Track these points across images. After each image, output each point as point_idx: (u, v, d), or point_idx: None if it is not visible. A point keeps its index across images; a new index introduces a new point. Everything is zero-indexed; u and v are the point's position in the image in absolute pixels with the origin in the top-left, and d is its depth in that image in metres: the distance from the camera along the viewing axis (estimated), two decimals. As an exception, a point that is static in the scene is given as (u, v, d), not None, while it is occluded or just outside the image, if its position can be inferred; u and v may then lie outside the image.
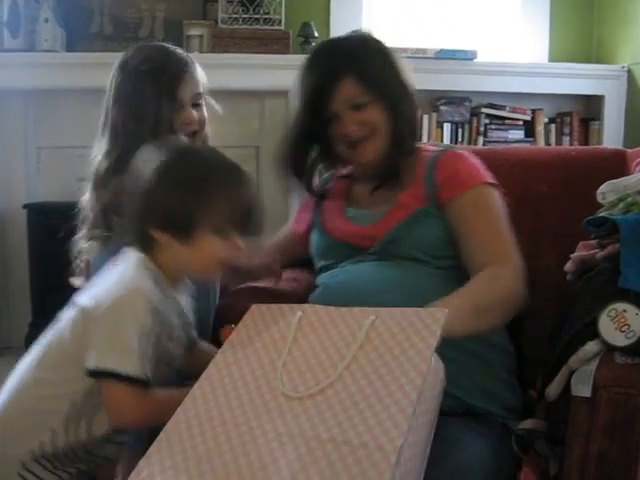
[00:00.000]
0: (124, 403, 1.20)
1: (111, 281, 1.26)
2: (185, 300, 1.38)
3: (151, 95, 1.63)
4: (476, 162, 1.55)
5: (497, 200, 1.49)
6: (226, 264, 1.32)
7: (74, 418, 1.24)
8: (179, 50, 1.72)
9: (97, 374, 1.19)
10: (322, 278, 1.59)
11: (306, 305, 1.28)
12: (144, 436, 1.71)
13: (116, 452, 1.34)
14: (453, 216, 1.47)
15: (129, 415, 1.21)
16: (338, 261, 1.57)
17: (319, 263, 1.63)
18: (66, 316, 1.27)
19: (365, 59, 1.52)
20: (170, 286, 1.31)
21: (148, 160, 1.30)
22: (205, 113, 1.75)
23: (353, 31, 1.60)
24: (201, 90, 1.72)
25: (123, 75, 1.67)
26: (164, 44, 1.75)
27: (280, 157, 1.65)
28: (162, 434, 1.09)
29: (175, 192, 1.25)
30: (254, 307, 1.27)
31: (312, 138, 1.58)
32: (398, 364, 1.05)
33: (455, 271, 1.45)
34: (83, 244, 1.69)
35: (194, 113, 1.70)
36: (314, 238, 1.66)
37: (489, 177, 1.52)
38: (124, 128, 1.66)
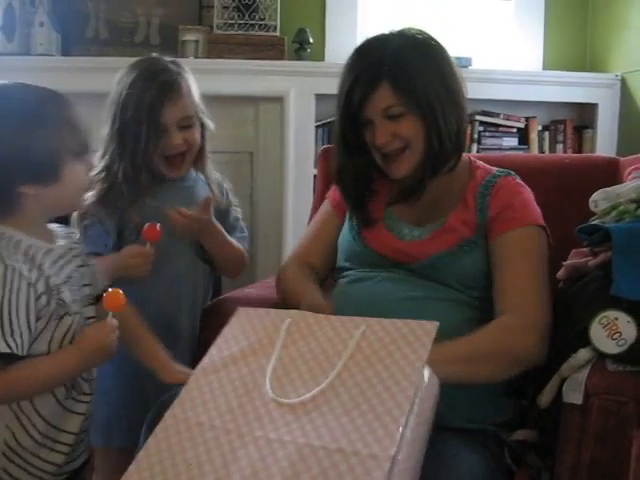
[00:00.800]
0: None
1: None
2: (65, 241, 1.37)
3: (132, 120, 1.65)
4: (531, 197, 1.51)
5: (542, 245, 1.45)
6: (89, 185, 1.36)
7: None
8: (169, 71, 1.71)
9: None
10: (345, 282, 1.54)
11: (294, 311, 1.26)
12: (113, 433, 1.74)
13: (77, 423, 1.34)
14: (496, 250, 1.43)
15: None
16: (366, 268, 1.52)
17: (343, 263, 1.59)
18: None
19: (409, 64, 1.40)
20: (37, 236, 1.29)
21: None
22: (196, 134, 1.75)
23: (408, 28, 1.49)
24: (189, 113, 1.72)
25: (114, 94, 1.71)
26: (158, 62, 1.74)
27: (334, 168, 1.58)
28: (151, 439, 1.10)
29: (31, 141, 1.22)
30: (240, 310, 1.26)
31: (356, 144, 1.49)
32: (390, 374, 1.06)
33: (484, 302, 1.43)
34: None
35: (179, 137, 1.69)
36: (345, 237, 1.60)
37: (540, 217, 1.48)
38: (109, 145, 1.71)
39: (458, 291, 1.43)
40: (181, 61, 1.80)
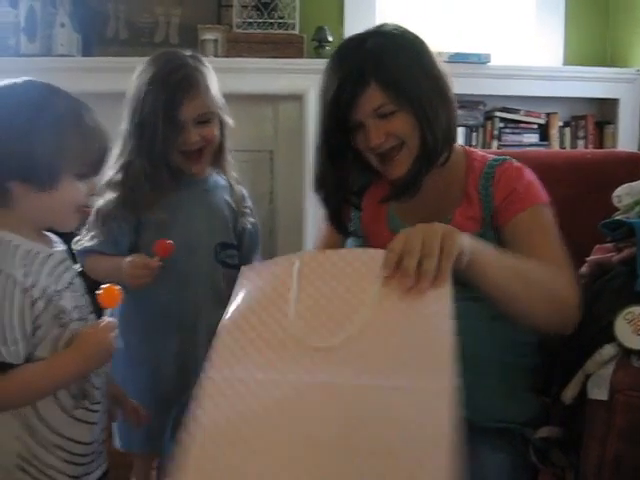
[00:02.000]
0: None
1: None
2: (62, 247, 1.35)
3: (149, 117, 1.65)
4: (533, 178, 1.46)
5: (551, 219, 1.41)
6: (82, 207, 1.31)
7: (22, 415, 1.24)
8: (188, 67, 1.70)
9: None
10: None
11: (302, 253, 1.18)
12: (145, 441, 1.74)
13: (89, 433, 1.32)
14: (510, 235, 1.39)
15: None
16: None
17: None
18: None
19: (394, 59, 1.37)
20: (37, 240, 1.27)
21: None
22: (215, 130, 1.73)
23: (383, 24, 1.45)
24: (207, 109, 1.70)
25: (133, 89, 1.70)
26: (176, 56, 1.73)
27: (314, 175, 1.52)
28: (198, 409, 0.99)
29: (35, 140, 1.20)
30: (244, 269, 1.17)
31: (340, 149, 1.45)
32: (424, 304, 1.01)
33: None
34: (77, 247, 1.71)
35: (196, 133, 1.68)
36: (351, 245, 1.55)
37: (544, 195, 1.44)
38: (128, 141, 1.71)
39: (473, 290, 1.40)
40: (200, 56, 1.78)
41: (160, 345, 1.75)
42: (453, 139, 1.47)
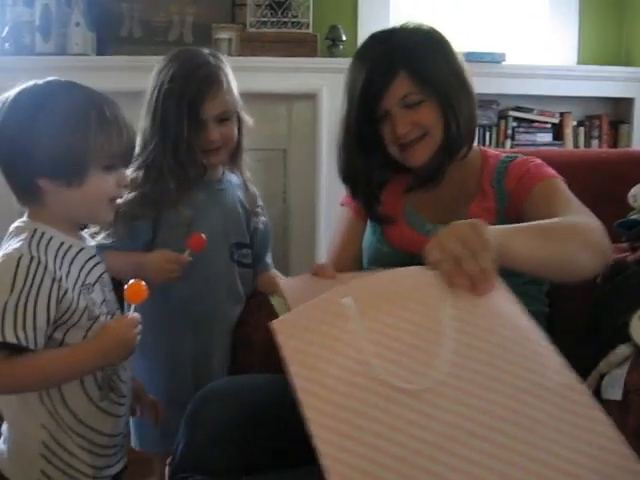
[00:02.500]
0: None
1: None
2: (92, 243, 1.38)
3: (173, 115, 1.65)
4: (543, 162, 1.50)
5: (568, 190, 1.41)
6: (115, 200, 1.31)
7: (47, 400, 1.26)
8: (211, 64, 1.70)
9: None
10: None
11: (340, 288, 0.99)
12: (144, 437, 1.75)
13: (113, 425, 1.34)
14: (531, 210, 1.38)
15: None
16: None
17: (367, 266, 1.56)
18: None
19: (421, 52, 1.42)
20: (70, 234, 1.29)
21: (15, 104, 1.24)
22: (234, 129, 1.74)
23: (407, 22, 1.49)
24: (228, 107, 1.71)
25: (154, 86, 1.70)
26: (198, 54, 1.73)
27: (341, 167, 1.56)
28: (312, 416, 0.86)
29: (59, 137, 1.21)
30: (275, 325, 0.97)
31: (369, 140, 1.49)
32: (497, 310, 0.97)
33: (529, 286, 1.38)
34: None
35: (216, 132, 1.69)
36: (369, 238, 1.58)
37: (553, 171, 1.46)
38: (150, 138, 1.70)
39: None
40: (219, 54, 1.78)
41: (176, 344, 1.75)
42: (474, 133, 1.52)
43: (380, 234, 1.55)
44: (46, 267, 1.21)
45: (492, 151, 1.59)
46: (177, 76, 1.66)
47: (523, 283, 1.35)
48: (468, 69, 1.48)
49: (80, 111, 1.24)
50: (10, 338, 1.15)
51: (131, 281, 1.30)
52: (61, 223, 1.28)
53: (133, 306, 1.31)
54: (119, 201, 1.65)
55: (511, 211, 1.43)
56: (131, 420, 1.70)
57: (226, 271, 1.79)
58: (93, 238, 1.69)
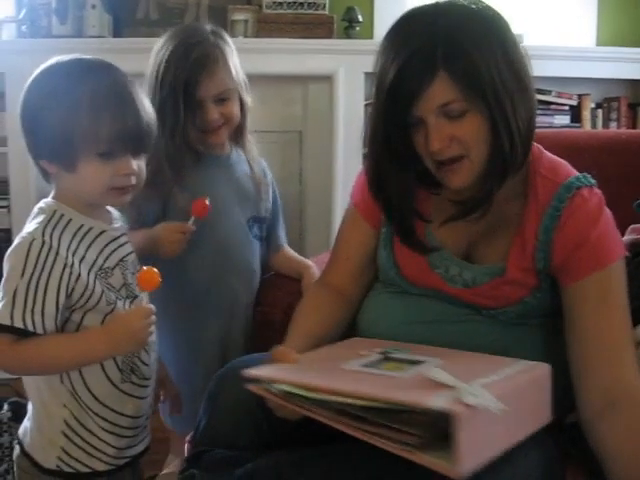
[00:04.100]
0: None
1: None
2: (120, 223, 1.36)
3: (170, 97, 1.62)
4: (609, 224, 1.23)
5: (622, 282, 1.20)
6: (116, 188, 1.26)
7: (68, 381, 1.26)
8: (207, 43, 1.66)
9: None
10: (388, 293, 1.38)
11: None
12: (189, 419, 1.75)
13: (135, 407, 1.34)
14: (570, 302, 1.20)
15: (6, 361, 1.20)
16: (410, 293, 1.35)
17: (385, 286, 1.41)
18: None
19: (465, 47, 1.11)
20: (93, 216, 1.28)
21: (29, 84, 1.24)
22: (235, 107, 1.71)
23: None
24: (226, 87, 1.68)
25: (152, 67, 1.68)
26: (196, 32, 1.70)
27: (367, 173, 1.31)
28: None
29: (51, 120, 1.19)
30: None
31: (401, 148, 1.21)
32: None
33: (544, 328, 1.28)
34: None
35: (215, 111, 1.66)
36: (381, 253, 1.39)
37: (619, 247, 1.23)
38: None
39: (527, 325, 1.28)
40: (222, 31, 1.75)
41: (200, 326, 1.75)
42: (531, 143, 1.22)
43: (389, 255, 1.36)
44: (57, 252, 1.20)
45: (545, 159, 1.27)
46: (172, 57, 1.63)
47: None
48: (528, 58, 1.20)
49: (72, 95, 1.20)
50: (18, 323, 1.16)
51: (143, 268, 1.27)
52: (80, 204, 1.27)
53: (146, 295, 1.30)
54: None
55: (551, 276, 1.23)
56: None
57: (244, 249, 1.79)
58: None
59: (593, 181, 1.25)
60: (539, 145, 1.29)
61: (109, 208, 1.36)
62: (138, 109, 1.23)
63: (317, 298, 1.42)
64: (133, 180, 1.27)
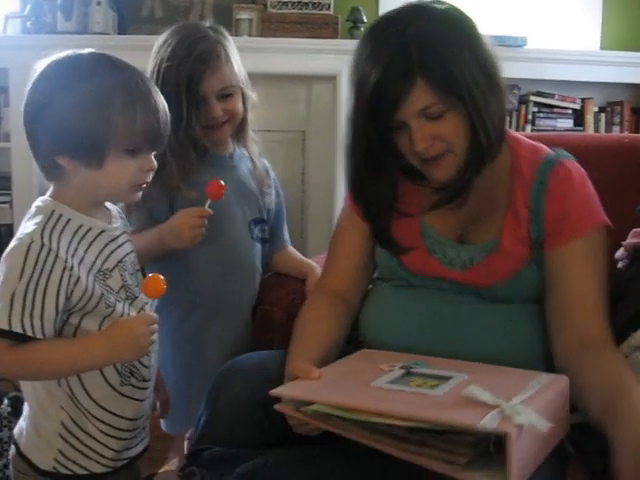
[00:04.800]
0: None
1: None
2: (119, 222, 1.33)
3: (173, 92, 1.59)
4: (588, 191, 1.31)
5: (603, 248, 1.29)
6: (138, 185, 1.25)
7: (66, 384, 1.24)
8: (208, 39, 1.66)
9: None
10: (390, 287, 1.40)
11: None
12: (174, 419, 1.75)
13: (135, 409, 1.32)
14: (554, 265, 1.27)
15: (5, 366, 1.18)
16: (411, 285, 1.38)
17: (384, 282, 1.44)
18: None
19: (441, 52, 1.17)
20: (93, 215, 1.26)
21: (42, 77, 1.20)
22: (238, 103, 1.71)
23: (426, 2, 1.24)
24: (229, 83, 1.67)
25: (154, 64, 1.66)
26: (196, 29, 1.69)
27: (350, 180, 1.37)
28: None
29: (81, 115, 1.15)
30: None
31: (381, 152, 1.28)
32: None
33: (534, 307, 1.33)
34: None
35: (218, 107, 1.66)
36: (382, 262, 1.42)
37: (599, 213, 1.30)
38: None
39: (522, 304, 1.33)
40: (221, 28, 1.74)
41: (201, 328, 1.75)
42: (504, 134, 1.30)
43: (397, 259, 1.39)
44: (57, 255, 1.16)
45: (524, 143, 1.37)
46: (175, 53, 1.62)
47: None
48: (497, 56, 1.25)
49: (104, 91, 1.17)
50: (16, 327, 1.13)
51: (149, 275, 1.24)
52: (82, 203, 1.24)
53: (151, 302, 1.28)
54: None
55: (543, 246, 1.29)
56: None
57: (247, 250, 1.78)
58: None
59: (571, 156, 1.33)
60: (516, 133, 1.39)
61: (109, 206, 1.34)
62: (161, 106, 1.24)
63: (321, 305, 1.42)
64: (151, 177, 1.27)
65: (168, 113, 1.26)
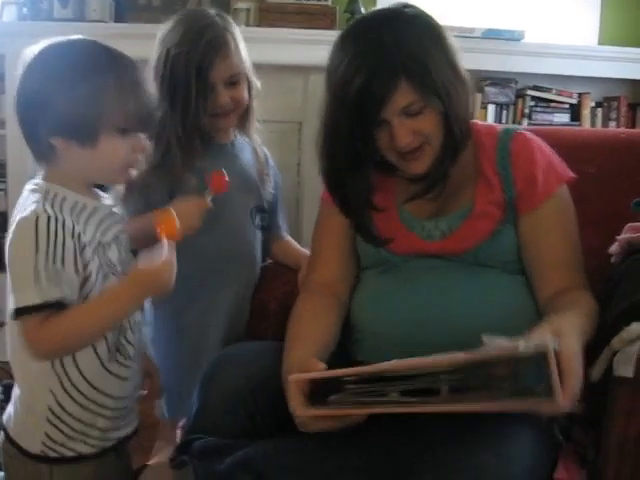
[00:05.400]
0: (33, 333, 1.19)
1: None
2: (110, 202, 1.36)
3: (181, 79, 1.61)
4: (545, 154, 1.42)
5: (570, 204, 1.42)
6: (130, 165, 1.29)
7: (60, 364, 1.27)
8: (217, 26, 1.66)
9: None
10: (377, 273, 1.45)
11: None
12: (175, 405, 1.75)
13: (120, 387, 1.34)
14: (527, 228, 1.38)
15: (42, 344, 1.21)
16: (396, 266, 1.44)
17: (369, 269, 1.49)
18: None
19: (419, 52, 1.26)
20: (85, 194, 1.29)
21: (36, 61, 1.24)
22: (244, 91, 1.71)
23: (393, 4, 1.34)
24: (237, 70, 1.68)
25: (160, 51, 1.66)
26: (204, 16, 1.70)
27: (328, 178, 1.44)
28: None
29: (73, 96, 1.20)
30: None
31: (362, 150, 1.34)
32: None
33: (519, 272, 1.41)
34: None
35: (226, 94, 1.66)
36: (363, 248, 1.48)
37: (560, 169, 1.42)
38: (158, 106, 1.66)
39: (497, 269, 1.40)
40: (226, 15, 1.75)
41: (202, 317, 1.74)
42: (470, 123, 1.42)
43: (377, 241, 1.45)
44: (64, 224, 1.20)
45: (479, 124, 1.50)
46: (184, 40, 1.62)
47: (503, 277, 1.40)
48: (457, 45, 1.35)
49: (98, 72, 1.22)
50: (47, 298, 1.16)
51: (159, 211, 1.29)
52: (74, 183, 1.27)
53: (166, 242, 1.27)
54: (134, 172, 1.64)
55: (515, 209, 1.39)
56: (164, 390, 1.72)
57: (248, 238, 1.78)
58: None
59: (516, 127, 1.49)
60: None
61: (95, 190, 1.36)
62: (150, 91, 1.30)
63: (313, 302, 1.45)
64: (143, 157, 1.32)
65: (156, 99, 1.33)
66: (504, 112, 3.23)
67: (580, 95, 3.26)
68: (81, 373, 1.28)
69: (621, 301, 1.29)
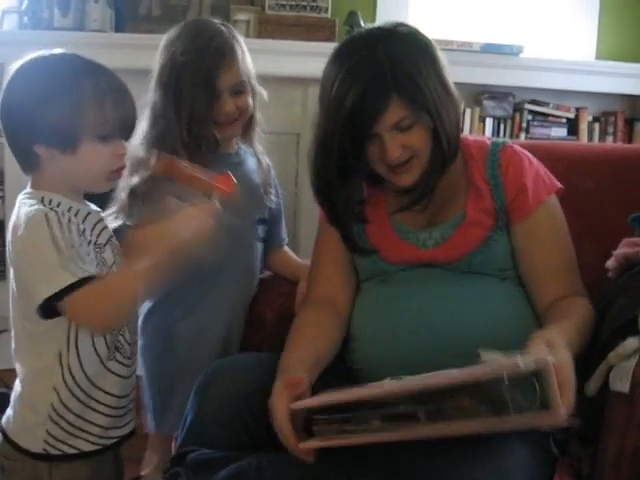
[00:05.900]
0: (84, 307, 1.20)
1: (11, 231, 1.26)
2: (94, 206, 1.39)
3: (188, 86, 1.61)
4: (533, 166, 1.46)
5: (561, 213, 1.46)
6: (113, 172, 1.32)
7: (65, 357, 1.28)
8: (224, 35, 1.67)
9: (47, 307, 1.20)
10: (375, 283, 1.48)
11: None
12: (167, 419, 1.74)
13: (120, 386, 1.36)
14: (521, 237, 1.42)
15: (97, 313, 1.23)
16: (392, 276, 1.46)
17: (367, 281, 1.51)
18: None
19: (411, 69, 1.30)
20: (75, 200, 1.31)
21: (19, 73, 1.28)
22: (249, 100, 1.71)
23: (386, 23, 1.39)
24: (243, 79, 1.68)
25: (166, 58, 1.66)
26: (210, 25, 1.70)
27: (314, 184, 1.47)
28: None
29: (53, 105, 1.23)
30: None
31: (352, 164, 1.39)
32: None
33: (515, 281, 1.43)
34: (110, 223, 1.69)
35: (231, 103, 1.66)
36: (359, 262, 1.51)
37: (549, 180, 1.46)
38: (163, 113, 1.66)
39: (493, 276, 1.42)
40: (229, 24, 1.76)
41: (201, 328, 1.74)
42: (459, 137, 1.44)
43: (376, 255, 1.48)
44: (69, 219, 1.25)
45: (469, 138, 1.53)
46: (191, 47, 1.63)
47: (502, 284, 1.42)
48: (447, 66, 1.38)
49: (75, 81, 1.26)
50: (81, 274, 1.18)
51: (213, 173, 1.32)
52: (63, 190, 1.30)
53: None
54: (135, 181, 1.63)
55: (507, 217, 1.43)
56: (151, 403, 1.73)
57: (249, 250, 1.78)
58: (115, 219, 1.67)
59: (506, 140, 1.53)
60: None
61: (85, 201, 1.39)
62: (130, 99, 1.32)
63: (313, 314, 1.46)
64: (126, 162, 1.35)
65: (136, 107, 1.33)
66: (502, 126, 3.24)
67: (577, 110, 3.27)
68: (83, 371, 1.30)
69: (617, 316, 1.29)
